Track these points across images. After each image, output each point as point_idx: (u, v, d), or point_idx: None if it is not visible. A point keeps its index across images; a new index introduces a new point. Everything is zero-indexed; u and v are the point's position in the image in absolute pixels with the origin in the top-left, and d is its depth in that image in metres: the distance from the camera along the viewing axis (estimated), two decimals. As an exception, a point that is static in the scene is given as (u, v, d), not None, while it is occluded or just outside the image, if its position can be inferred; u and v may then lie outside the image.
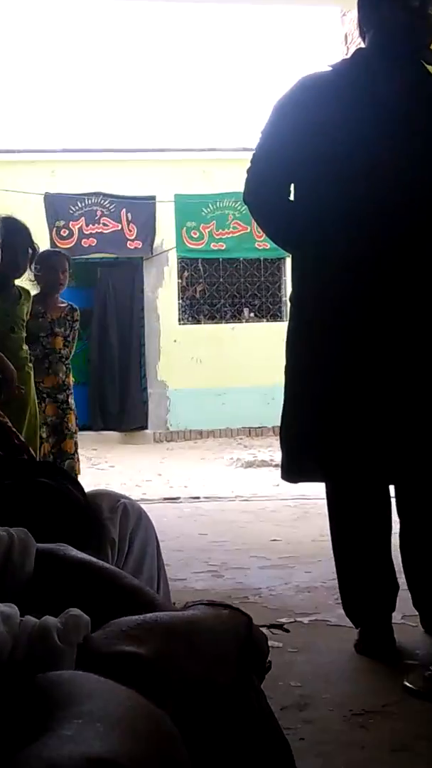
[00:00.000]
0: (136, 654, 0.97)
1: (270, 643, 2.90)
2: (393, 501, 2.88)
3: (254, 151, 2.84)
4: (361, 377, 2.64)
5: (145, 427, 12.56)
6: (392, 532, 2.84)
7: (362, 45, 2.82)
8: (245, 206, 2.95)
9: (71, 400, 5.33)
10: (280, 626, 3.03)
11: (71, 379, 5.42)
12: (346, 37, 10.05)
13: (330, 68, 2.83)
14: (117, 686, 0.86)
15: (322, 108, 2.69)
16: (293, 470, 2.83)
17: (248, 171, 2.84)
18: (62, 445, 5.20)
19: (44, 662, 0.99)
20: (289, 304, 2.95)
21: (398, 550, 2.88)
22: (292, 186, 2.83)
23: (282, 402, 2.89)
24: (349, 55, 2.99)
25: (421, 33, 2.67)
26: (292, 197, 2.85)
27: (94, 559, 1.33)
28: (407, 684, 2.46)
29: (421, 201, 2.64)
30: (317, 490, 5.80)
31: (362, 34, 2.80)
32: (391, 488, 2.89)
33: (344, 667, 2.68)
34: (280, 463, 2.89)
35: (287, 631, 2.97)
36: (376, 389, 2.62)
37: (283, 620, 3.11)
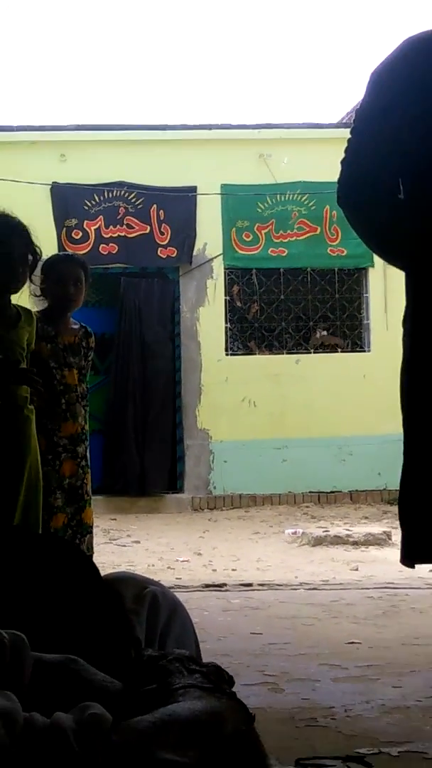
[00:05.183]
0: (177, 762, 1.09)
1: (348, 781, 2.85)
2: None
3: (349, 137, 2.86)
4: None
5: (181, 490, 12.59)
6: None
7: None
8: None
9: (89, 455, 5.25)
10: (360, 759, 3.01)
11: (88, 426, 5.33)
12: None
13: None
14: None
15: None
16: (415, 551, 2.82)
17: (342, 163, 2.86)
18: (82, 516, 5.10)
19: None
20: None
21: None
22: (400, 181, 2.84)
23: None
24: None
25: None
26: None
27: (107, 683, 1.36)
28: None
29: None
30: (411, 577, 5.78)
31: None
32: None
33: None
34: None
35: (369, 765, 2.95)
36: None
37: (364, 751, 3.07)
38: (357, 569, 7.42)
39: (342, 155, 2.89)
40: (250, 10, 31.24)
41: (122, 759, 1.08)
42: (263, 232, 12.64)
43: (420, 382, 2.81)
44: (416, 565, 2.86)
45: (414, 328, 2.83)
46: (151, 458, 12.46)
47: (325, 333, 13.08)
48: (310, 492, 12.48)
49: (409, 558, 2.84)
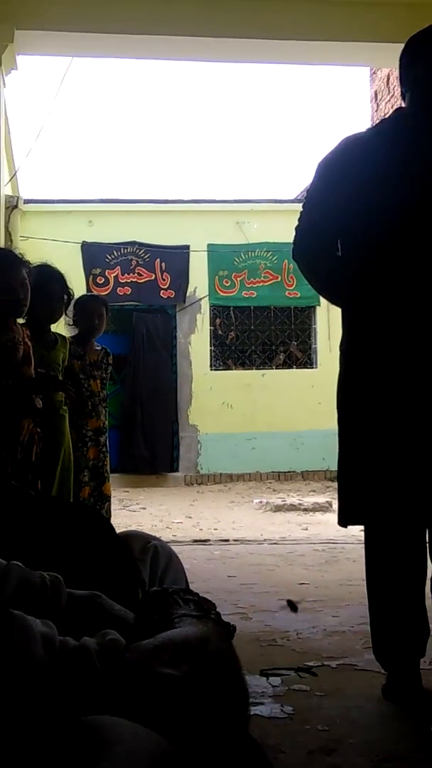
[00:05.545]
0: (174, 676, 1.09)
1: (297, 686, 2.87)
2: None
3: (300, 212, 2.87)
4: (403, 430, 2.65)
5: (176, 470, 12.56)
6: (426, 577, 2.81)
7: (400, 104, 2.87)
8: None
9: (108, 443, 5.28)
10: (307, 670, 3.00)
11: (107, 422, 5.36)
12: (375, 94, 10.13)
13: (368, 130, 2.87)
14: (144, 731, 0.98)
15: (365, 168, 2.72)
16: (347, 515, 2.83)
17: (296, 229, 2.87)
18: (102, 488, 5.14)
19: (83, 684, 1.07)
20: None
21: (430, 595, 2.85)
22: (339, 243, 2.84)
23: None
24: (384, 115, 3.03)
25: None
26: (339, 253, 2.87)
27: (123, 613, 1.37)
28: (435, 731, 2.41)
29: None
30: (347, 535, 5.78)
31: (403, 95, 2.84)
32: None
33: (372, 712, 2.63)
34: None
35: (315, 674, 2.94)
36: (418, 443, 2.64)
37: (311, 664, 3.06)
38: (306, 529, 7.43)
39: (296, 223, 2.90)
40: (231, 118, 31.41)
41: (132, 673, 1.09)
42: (238, 279, 12.65)
43: (350, 390, 2.82)
44: (349, 526, 2.86)
45: (348, 350, 2.84)
46: (154, 446, 12.43)
47: (295, 343, 13.07)
48: (272, 472, 12.48)
49: (344, 521, 2.85)
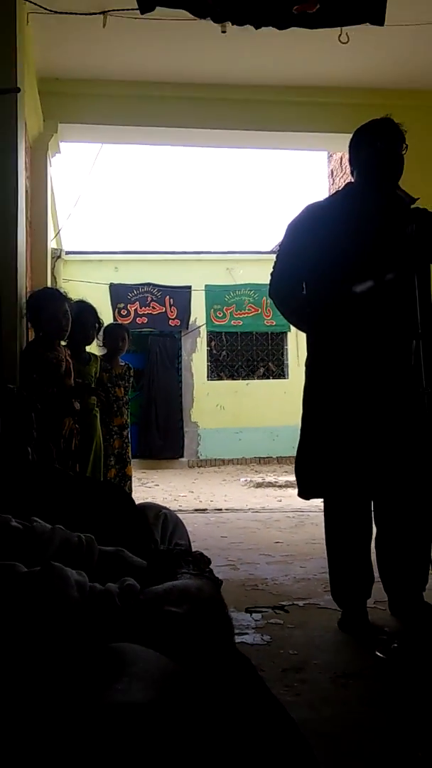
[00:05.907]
0: (177, 612, 1.10)
1: (274, 620, 2.85)
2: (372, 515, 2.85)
3: (275, 260, 2.90)
4: (353, 426, 2.69)
5: (182, 456, 12.53)
6: (371, 537, 2.82)
7: (351, 179, 2.89)
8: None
9: (129, 436, 5.28)
10: (281, 608, 3.00)
11: (129, 420, 5.37)
12: (332, 172, 10.14)
13: (326, 199, 2.91)
14: (155, 654, 0.98)
15: (323, 228, 2.76)
16: (306, 490, 2.85)
17: (271, 275, 2.90)
18: (125, 470, 5.14)
19: (107, 619, 1.07)
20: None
21: (375, 550, 2.85)
22: (304, 284, 2.86)
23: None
24: (338, 188, 3.07)
25: (389, 168, 2.73)
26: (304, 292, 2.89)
27: (140, 563, 1.38)
28: (378, 654, 2.42)
29: (395, 289, 2.68)
30: (311, 505, 5.78)
31: (352, 172, 2.87)
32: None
33: (330, 640, 2.63)
34: (296, 485, 2.90)
35: (287, 611, 2.94)
36: (363, 435, 2.67)
37: (284, 603, 3.06)
38: (281, 501, 7.42)
39: (271, 269, 2.91)
40: (223, 188, 31.45)
41: (145, 610, 1.10)
42: (228, 311, 12.65)
43: (312, 395, 2.83)
44: (310, 499, 2.87)
45: (311, 365, 2.86)
46: (165, 438, 12.41)
47: (271, 360, 13.07)
48: (254, 457, 12.47)
49: (302, 494, 2.87)
